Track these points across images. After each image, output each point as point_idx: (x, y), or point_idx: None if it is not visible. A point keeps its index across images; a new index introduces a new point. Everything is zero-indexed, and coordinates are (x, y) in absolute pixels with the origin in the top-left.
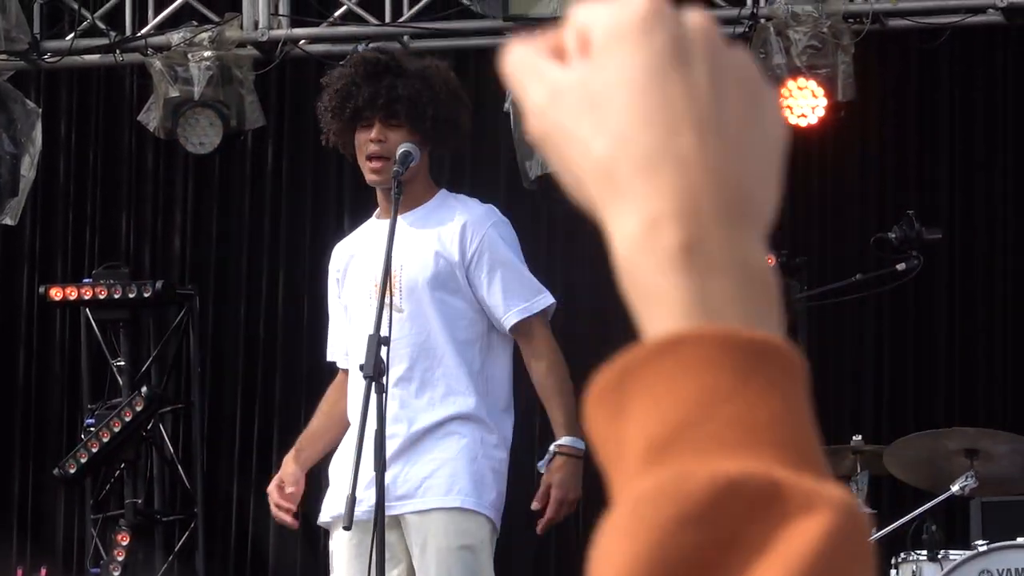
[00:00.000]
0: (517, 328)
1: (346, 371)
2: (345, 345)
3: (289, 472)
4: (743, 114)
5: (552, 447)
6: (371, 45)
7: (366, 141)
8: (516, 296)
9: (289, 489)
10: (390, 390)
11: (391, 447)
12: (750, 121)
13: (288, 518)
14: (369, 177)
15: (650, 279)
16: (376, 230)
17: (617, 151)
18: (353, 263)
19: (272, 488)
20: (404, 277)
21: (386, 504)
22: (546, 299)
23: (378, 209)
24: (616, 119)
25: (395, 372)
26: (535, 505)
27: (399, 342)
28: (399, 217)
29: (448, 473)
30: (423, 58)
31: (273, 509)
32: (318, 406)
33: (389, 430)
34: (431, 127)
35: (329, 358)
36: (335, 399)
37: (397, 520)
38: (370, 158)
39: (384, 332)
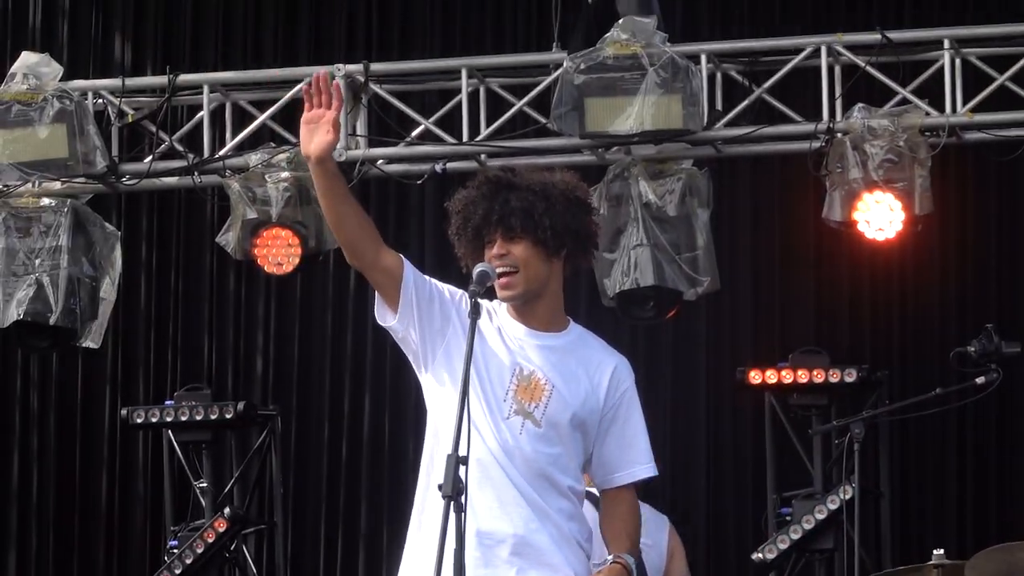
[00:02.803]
0: (631, 484)
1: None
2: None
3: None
4: None
5: (613, 556)
6: (448, 163)
7: (491, 258)
8: (647, 455)
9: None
10: (518, 490)
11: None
12: None
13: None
14: (500, 294)
15: None
16: (514, 327)
17: None
18: (492, 341)
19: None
20: (555, 398)
21: None
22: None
23: (513, 312)
24: None
25: (519, 479)
26: None
27: (530, 455)
28: (542, 332)
29: None
30: (550, 171)
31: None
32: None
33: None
34: (551, 237)
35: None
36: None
37: None
38: (498, 275)
39: (463, 452)
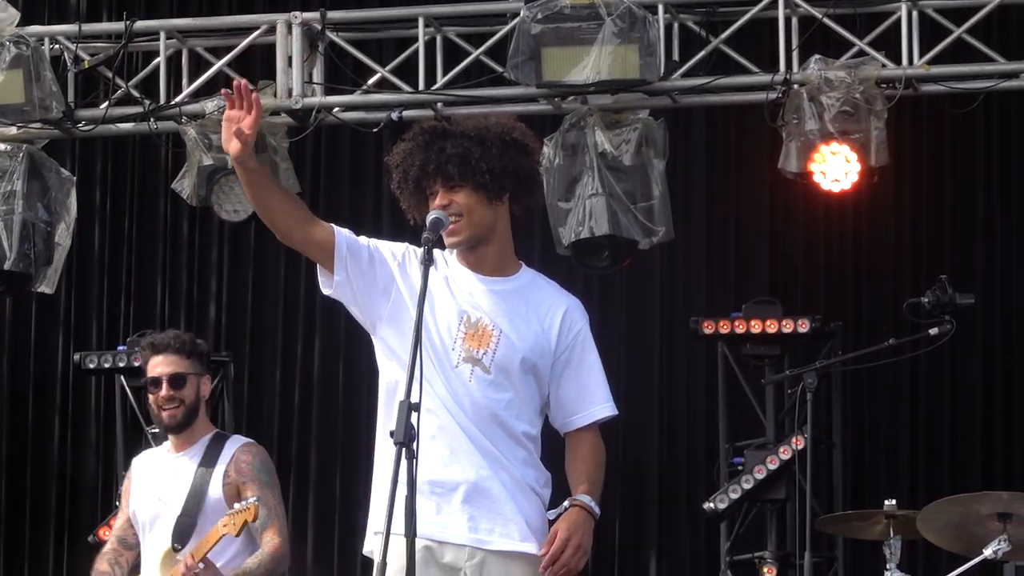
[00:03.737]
0: (591, 424)
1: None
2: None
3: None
4: None
5: (568, 501)
6: (403, 112)
7: (436, 208)
8: (604, 395)
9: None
10: (469, 437)
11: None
12: None
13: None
14: (446, 240)
15: None
16: (463, 275)
17: None
18: (438, 292)
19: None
20: (503, 343)
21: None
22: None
23: (462, 259)
24: None
25: (469, 427)
26: (542, 550)
27: (481, 402)
28: (491, 278)
29: None
30: (485, 117)
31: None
32: None
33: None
34: (490, 181)
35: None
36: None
37: None
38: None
39: (415, 398)
